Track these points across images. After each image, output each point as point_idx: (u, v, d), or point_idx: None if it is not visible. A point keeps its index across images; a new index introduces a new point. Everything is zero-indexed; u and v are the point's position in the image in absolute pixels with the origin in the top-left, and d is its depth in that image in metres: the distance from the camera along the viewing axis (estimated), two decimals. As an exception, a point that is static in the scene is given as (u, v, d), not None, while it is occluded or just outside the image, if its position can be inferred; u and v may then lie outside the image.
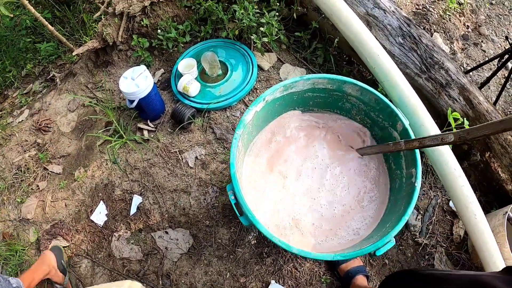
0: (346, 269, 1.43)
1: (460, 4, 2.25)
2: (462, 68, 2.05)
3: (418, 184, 1.07)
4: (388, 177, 1.25)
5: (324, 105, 1.33)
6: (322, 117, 1.35)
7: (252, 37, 1.70)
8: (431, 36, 2.11)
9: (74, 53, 1.77)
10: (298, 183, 1.25)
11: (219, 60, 1.75)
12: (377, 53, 1.44)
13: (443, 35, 2.14)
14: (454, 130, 0.94)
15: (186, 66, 1.73)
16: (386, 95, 1.36)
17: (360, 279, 1.40)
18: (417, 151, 1.12)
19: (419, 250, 1.52)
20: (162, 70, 1.88)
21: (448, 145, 1.33)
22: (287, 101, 1.25)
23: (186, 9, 1.86)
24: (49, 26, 1.92)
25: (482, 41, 2.17)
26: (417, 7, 2.21)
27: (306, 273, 1.48)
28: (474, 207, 1.32)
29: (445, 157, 1.33)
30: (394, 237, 1.44)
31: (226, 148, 1.63)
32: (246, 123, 1.10)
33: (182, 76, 1.68)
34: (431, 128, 1.34)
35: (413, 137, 1.13)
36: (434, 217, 1.59)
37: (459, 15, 2.25)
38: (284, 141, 1.30)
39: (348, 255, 0.99)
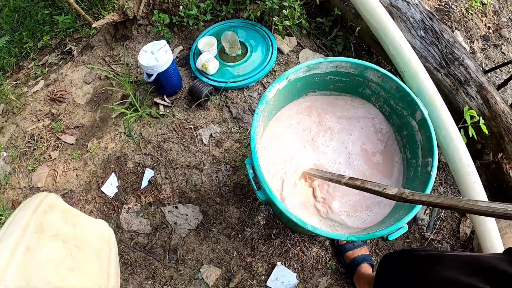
0: (352, 256, 1.43)
1: (483, 4, 2.23)
2: (481, 68, 2.03)
3: (434, 173, 1.06)
4: (403, 166, 1.25)
5: (345, 89, 1.32)
6: (344, 99, 1.35)
7: (274, 19, 1.69)
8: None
9: (93, 25, 1.77)
10: (315, 158, 1.25)
11: (239, 41, 1.74)
12: (399, 42, 1.43)
13: (464, 33, 2.12)
14: (398, 188, 0.84)
15: (206, 43, 1.73)
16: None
17: (365, 267, 1.41)
18: (434, 141, 1.11)
19: (425, 245, 1.52)
20: (181, 47, 1.88)
21: (464, 143, 1.33)
22: (308, 82, 1.25)
23: (209, -13, 1.85)
24: (69, -2, 1.92)
25: (502, 43, 2.16)
26: (440, 3, 2.19)
27: (313, 258, 1.48)
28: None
29: (460, 151, 1.32)
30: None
31: (242, 127, 1.63)
32: (268, 99, 1.10)
33: (202, 53, 1.68)
34: (448, 121, 1.33)
35: (431, 126, 1.13)
36: (442, 213, 1.59)
37: (481, 15, 2.23)
38: (304, 121, 1.30)
39: (362, 237, 0.99)
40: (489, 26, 2.22)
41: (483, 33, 2.17)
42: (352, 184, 0.98)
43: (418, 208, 1.02)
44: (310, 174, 1.18)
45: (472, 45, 2.09)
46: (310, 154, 1.25)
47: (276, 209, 1.29)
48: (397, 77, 1.69)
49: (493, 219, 1.32)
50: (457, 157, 1.32)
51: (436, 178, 1.65)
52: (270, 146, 1.24)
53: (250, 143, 1.03)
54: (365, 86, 1.28)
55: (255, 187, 1.03)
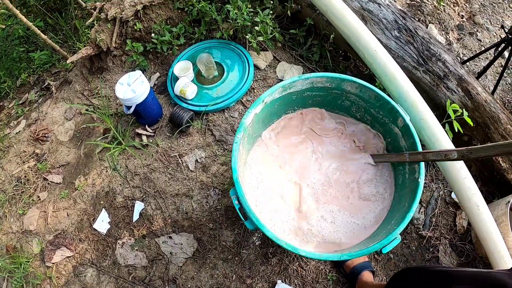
0: (351, 265, 1.42)
1: (454, -7, 2.23)
2: (459, 59, 2.03)
3: (422, 180, 1.05)
4: (392, 173, 1.24)
5: (324, 104, 1.31)
6: (323, 114, 1.34)
7: (247, 36, 1.67)
8: (426, 28, 2.09)
9: (68, 61, 1.75)
10: (301, 179, 1.23)
11: (215, 61, 1.73)
12: (374, 48, 1.42)
13: (438, 26, 2.12)
14: (459, 148, 0.93)
15: (182, 69, 1.71)
16: (384, 90, 1.35)
17: (366, 275, 1.39)
18: (419, 146, 1.11)
19: (423, 243, 1.51)
20: (158, 74, 1.86)
21: (450, 140, 1.32)
22: (286, 101, 1.23)
23: (179, 11, 1.83)
24: (42, 35, 1.89)
25: (477, 31, 2.16)
26: (411, -1, 2.19)
27: (312, 271, 1.47)
28: (476, 198, 1.31)
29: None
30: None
31: (226, 149, 1.61)
32: (246, 126, 1.08)
33: (178, 79, 1.66)
34: (431, 121, 1.33)
35: (414, 132, 1.12)
36: (437, 210, 1.59)
37: (453, 5, 2.23)
38: (286, 140, 1.28)
39: (355, 255, 0.97)
40: (462, 15, 2.22)
41: (457, 22, 2.17)
42: (416, 159, 1.06)
43: (409, 219, 1.00)
44: (378, 159, 1.20)
45: (448, 36, 2.09)
46: (295, 173, 1.23)
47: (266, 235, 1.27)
48: (376, 83, 1.68)
49: (487, 211, 1.31)
50: (444, 155, 1.31)
51: (426, 175, 1.65)
52: (255, 169, 1.22)
53: (232, 174, 1.01)
54: (344, 98, 1.27)
55: (242, 217, 1.01)
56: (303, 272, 1.47)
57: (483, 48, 2.07)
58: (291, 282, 1.45)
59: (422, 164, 1.07)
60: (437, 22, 2.13)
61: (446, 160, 0.98)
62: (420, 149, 1.11)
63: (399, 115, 1.15)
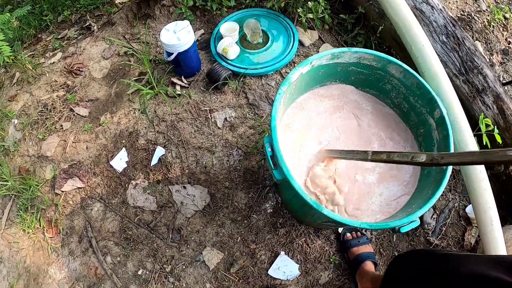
0: (356, 252, 1.44)
1: (505, 18, 2.25)
2: (499, 80, 2.05)
3: (449, 171, 1.07)
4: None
5: (365, 83, 1.33)
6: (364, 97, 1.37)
7: (298, 10, 1.71)
8: (473, 43, 2.12)
9: (117, 1, 1.80)
10: (334, 143, 1.26)
11: (261, 29, 1.77)
12: (422, 42, 1.44)
13: (484, 45, 2.14)
14: (429, 152, 0.80)
15: (229, 29, 1.75)
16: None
17: (369, 265, 1.42)
18: (451, 138, 1.13)
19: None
20: (202, 31, 1.90)
21: (473, 138, 1.34)
22: (330, 71, 1.26)
23: (235, -26, 1.88)
24: (93, -27, 1.96)
25: (521, 59, 2.18)
26: (462, 13, 2.22)
27: (316, 250, 1.49)
28: (492, 213, 1.31)
29: (474, 157, 1.34)
30: (408, 232, 1.46)
31: (257, 114, 1.64)
32: (291, 82, 1.12)
33: (223, 38, 1.70)
34: (464, 125, 1.34)
35: (448, 125, 1.13)
36: (449, 220, 1.60)
37: (503, 29, 2.25)
38: (323, 111, 1.32)
39: (375, 225, 1.00)
40: (509, 41, 2.24)
41: (503, 47, 2.19)
42: (378, 159, 0.94)
43: (431, 204, 1.02)
44: (330, 155, 1.19)
45: (491, 58, 2.11)
46: (326, 146, 1.26)
47: (289, 192, 1.30)
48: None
49: (500, 228, 1.33)
50: (471, 163, 1.33)
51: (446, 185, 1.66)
52: (287, 130, 1.26)
53: (271, 121, 1.04)
54: (386, 81, 1.29)
55: (272, 165, 1.04)
56: (307, 249, 1.49)
57: (525, 77, 2.10)
58: (293, 256, 1.47)
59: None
60: (484, 41, 2.15)
61: (412, 164, 0.85)
62: (452, 143, 1.12)
63: (437, 106, 1.16)
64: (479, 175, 1.34)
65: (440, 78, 1.40)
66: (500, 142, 1.52)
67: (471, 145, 1.35)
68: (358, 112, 1.34)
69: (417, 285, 0.92)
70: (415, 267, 0.97)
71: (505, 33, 2.27)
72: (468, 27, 2.15)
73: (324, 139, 1.27)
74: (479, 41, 2.13)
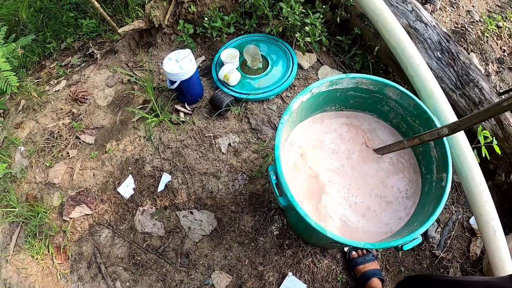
0: (363, 270, 1.48)
1: (498, 27, 2.31)
2: (495, 90, 2.11)
3: (448, 187, 1.11)
4: (420, 180, 1.31)
5: (364, 106, 1.39)
6: (361, 117, 1.42)
7: (296, 35, 1.78)
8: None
9: (120, 30, 1.86)
10: (330, 177, 1.30)
11: (261, 54, 1.83)
12: (417, 62, 1.50)
13: (479, 56, 2.20)
14: (447, 124, 1.06)
15: (229, 55, 1.81)
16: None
17: (376, 282, 1.45)
18: (449, 156, 1.17)
19: (435, 263, 1.55)
20: (203, 58, 1.96)
21: (477, 162, 1.39)
22: (330, 97, 1.32)
23: (233, 1, 1.94)
24: (95, 2, 2.01)
25: (516, 66, 2.24)
26: (456, 25, 2.28)
27: (324, 270, 1.52)
28: (495, 223, 1.35)
29: (473, 171, 1.37)
30: (413, 247, 1.49)
31: (260, 138, 1.69)
32: (292, 111, 1.17)
33: (224, 64, 1.76)
34: (462, 140, 1.39)
35: (446, 143, 1.18)
36: (453, 232, 1.63)
37: (497, 38, 2.31)
38: (321, 136, 1.37)
39: (378, 245, 1.03)
40: (504, 49, 2.30)
41: (498, 56, 2.25)
42: (414, 143, 1.18)
43: (432, 221, 1.06)
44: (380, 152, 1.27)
45: (487, 68, 2.17)
46: (327, 165, 1.31)
47: (293, 216, 1.34)
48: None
49: (503, 238, 1.36)
50: (470, 176, 1.38)
51: (448, 198, 1.70)
52: (290, 157, 1.30)
53: (274, 150, 1.09)
54: (384, 103, 1.35)
55: (277, 193, 1.08)
56: (314, 268, 1.52)
57: (521, 85, 2.15)
58: (301, 276, 1.51)
59: (450, 173, 1.13)
60: (479, 52, 2.21)
61: (440, 137, 1.09)
62: (450, 160, 1.17)
63: (434, 125, 1.21)
64: (479, 188, 1.38)
65: (436, 96, 1.46)
66: (500, 153, 1.56)
67: (470, 158, 1.40)
68: (359, 130, 1.38)
69: None
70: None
71: (499, 41, 2.33)
72: (462, 39, 2.21)
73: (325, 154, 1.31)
74: (474, 52, 2.19)
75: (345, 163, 1.32)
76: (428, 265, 1.57)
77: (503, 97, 2.12)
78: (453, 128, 1.03)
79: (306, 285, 1.49)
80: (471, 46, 2.20)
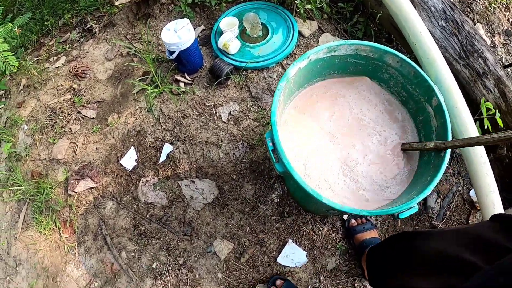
0: (361, 238, 1.53)
1: (507, -1, 2.28)
2: (501, 62, 2.09)
3: (447, 157, 1.13)
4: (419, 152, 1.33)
5: (364, 73, 1.40)
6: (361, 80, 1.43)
7: (297, 1, 1.78)
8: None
9: (117, 3, 1.87)
10: (334, 136, 1.33)
11: (261, 22, 1.83)
12: (419, 30, 1.50)
13: (486, 27, 2.18)
14: (434, 142, 1.17)
15: (228, 24, 1.83)
16: (423, 72, 1.43)
17: None
18: (449, 126, 1.18)
19: (434, 233, 1.60)
20: (202, 27, 1.98)
21: (478, 133, 1.41)
22: (328, 64, 1.33)
23: (232, -32, 1.94)
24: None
25: (524, 40, 2.21)
26: (463, -6, 2.25)
27: (323, 238, 1.58)
28: (494, 197, 1.38)
29: (474, 141, 1.40)
30: (412, 217, 1.53)
31: (260, 107, 1.73)
32: (290, 77, 1.19)
33: (223, 33, 1.77)
34: (463, 110, 1.41)
35: (446, 112, 1.19)
36: (453, 203, 1.67)
37: (504, 10, 2.28)
38: (322, 100, 1.39)
39: (374, 212, 1.07)
40: (511, 21, 2.27)
41: (505, 27, 2.22)
42: (404, 148, 1.29)
43: (429, 191, 1.09)
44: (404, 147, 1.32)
45: (493, 39, 2.15)
46: (325, 136, 1.33)
47: (292, 184, 1.38)
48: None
49: (503, 212, 1.39)
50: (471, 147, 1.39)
51: (449, 169, 1.73)
52: (288, 126, 1.33)
53: (271, 117, 1.12)
54: (384, 71, 1.36)
55: (273, 159, 1.12)
56: (314, 236, 1.58)
57: (528, 58, 2.13)
58: (301, 243, 1.57)
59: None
60: (485, 23, 2.19)
61: (425, 150, 1.19)
62: (450, 130, 1.18)
63: (435, 94, 1.23)
64: (479, 159, 1.41)
65: (438, 64, 1.46)
66: (502, 125, 1.57)
67: (471, 129, 1.41)
68: (360, 97, 1.40)
69: (388, 260, 1.10)
70: (392, 245, 1.14)
71: (507, 13, 2.29)
72: (468, 9, 2.19)
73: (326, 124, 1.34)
74: (481, 23, 2.17)
75: (344, 130, 1.34)
76: (428, 234, 1.60)
77: (508, 70, 2.10)
78: (437, 145, 1.13)
79: (306, 252, 1.55)
80: (478, 17, 2.18)
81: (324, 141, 1.33)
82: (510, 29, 2.24)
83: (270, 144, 1.14)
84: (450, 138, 1.17)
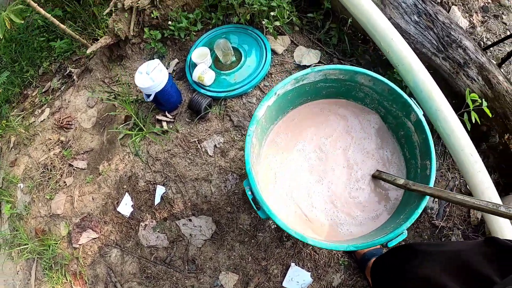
0: (362, 252, 1.54)
1: (479, -27, 2.20)
2: (482, 43, 2.04)
3: (433, 177, 1.12)
4: (405, 167, 1.31)
5: (338, 94, 1.39)
6: (336, 102, 1.42)
7: (264, 22, 1.75)
8: (449, 9, 2.10)
9: (88, 51, 1.88)
10: (313, 167, 1.33)
11: (232, 46, 1.83)
12: (390, 36, 1.47)
13: (462, 7, 2.12)
14: (404, 180, 1.19)
15: (200, 55, 1.82)
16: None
17: None
18: (431, 142, 1.16)
19: (436, 233, 1.60)
20: (176, 60, 1.98)
21: (465, 131, 1.38)
22: (299, 93, 1.32)
23: (196, -4, 1.91)
24: (61, 25, 2.00)
25: (502, 13, 2.15)
26: (434, -22, 2.18)
27: (325, 256, 1.59)
28: (490, 192, 1.37)
29: (461, 142, 1.38)
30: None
31: (244, 135, 1.74)
32: (259, 119, 1.18)
33: (197, 65, 1.76)
34: (447, 112, 1.39)
35: (426, 128, 1.17)
36: (452, 199, 1.65)
37: (479, -14, 2.21)
38: (298, 130, 1.38)
39: (361, 246, 1.06)
40: (487, -4, 2.20)
41: (482, 4, 2.16)
42: (374, 175, 1.30)
43: (417, 216, 1.08)
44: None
45: (471, 19, 2.09)
46: (305, 169, 1.33)
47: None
48: (391, 72, 1.72)
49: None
50: (459, 147, 1.38)
51: (443, 164, 1.72)
52: (270, 159, 1.33)
53: (245, 166, 1.11)
54: (358, 90, 1.34)
55: (255, 207, 1.12)
56: (316, 256, 1.59)
57: (508, 32, 2.06)
58: (304, 265, 1.58)
59: (434, 161, 1.13)
60: (461, 4, 2.13)
61: (394, 184, 1.20)
62: (432, 145, 1.16)
63: (412, 109, 1.20)
64: (470, 159, 1.40)
65: (414, 69, 1.45)
66: (490, 115, 1.54)
67: (457, 130, 1.39)
68: (339, 119, 1.39)
69: (385, 280, 1.13)
70: (395, 256, 1.15)
71: (482, -11, 2.22)
72: (442, -8, 2.12)
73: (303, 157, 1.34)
74: (455, 4, 2.12)
75: (327, 157, 1.34)
76: (429, 236, 1.61)
77: (491, 49, 2.04)
78: (406, 184, 1.14)
79: (309, 273, 1.57)
80: (452, -1, 2.11)
81: (304, 174, 1.33)
82: (486, 4, 2.18)
83: (249, 193, 1.14)
84: (433, 153, 1.15)
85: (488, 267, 0.80)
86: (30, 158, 2.08)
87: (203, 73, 1.76)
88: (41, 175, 2.01)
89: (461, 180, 1.68)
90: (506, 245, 0.83)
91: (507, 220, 1.39)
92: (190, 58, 1.87)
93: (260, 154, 1.33)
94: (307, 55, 1.86)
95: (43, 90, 2.38)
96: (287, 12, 1.78)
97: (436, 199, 1.66)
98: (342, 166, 1.33)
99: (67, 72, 2.31)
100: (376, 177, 1.29)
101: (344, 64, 1.86)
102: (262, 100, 1.21)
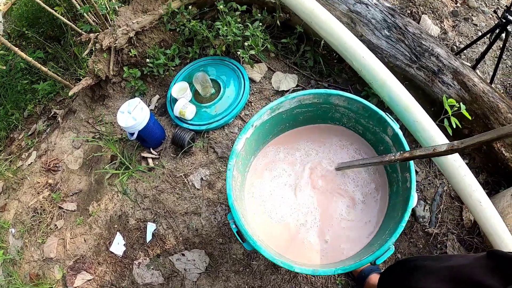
0: (359, 269, 1.52)
1: (442, -20, 2.26)
2: (455, 47, 2.07)
3: (413, 189, 1.12)
4: (387, 180, 1.32)
5: (315, 118, 1.40)
6: (314, 129, 1.43)
7: (239, 52, 1.77)
8: (419, 19, 2.15)
9: (70, 93, 1.89)
10: (299, 192, 1.33)
11: (211, 78, 1.84)
12: (361, 55, 1.49)
13: (432, 15, 2.17)
14: (446, 145, 0.95)
15: (179, 90, 1.83)
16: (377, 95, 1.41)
17: (374, 278, 1.48)
18: (409, 157, 1.17)
19: (431, 240, 1.59)
20: (157, 96, 1.99)
21: (446, 139, 1.39)
22: (276, 121, 1.33)
23: (171, 32, 1.94)
24: (43, 68, 2.01)
25: (472, 15, 2.19)
26: (400, -9, 2.23)
27: (321, 277, 1.57)
28: (478, 194, 1.37)
29: (443, 149, 1.38)
30: (405, 230, 1.51)
31: (229, 166, 1.73)
32: (238, 152, 1.19)
33: (177, 100, 1.77)
34: (425, 122, 1.40)
35: (404, 141, 1.18)
36: (442, 205, 1.66)
37: (446, -8, 2.26)
38: (280, 158, 1.38)
39: (348, 268, 1.06)
40: (456, 0, 2.25)
41: (451, 9, 2.21)
42: (403, 157, 1.08)
43: (401, 230, 1.08)
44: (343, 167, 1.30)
45: (442, 25, 2.13)
46: (295, 188, 1.33)
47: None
48: (368, 87, 1.74)
49: (491, 205, 1.38)
50: (441, 155, 1.38)
51: (430, 172, 1.72)
52: (255, 190, 1.33)
53: (228, 200, 1.11)
54: (334, 111, 1.36)
55: (240, 240, 1.12)
56: (312, 278, 1.57)
57: (479, 33, 2.11)
58: (301, 288, 1.56)
59: (413, 173, 1.14)
60: (430, 12, 2.18)
61: (436, 155, 0.98)
62: (411, 161, 1.17)
63: (388, 124, 1.22)
64: (454, 164, 1.40)
65: (388, 84, 1.46)
66: (470, 118, 1.55)
67: (437, 138, 1.40)
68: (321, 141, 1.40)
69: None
70: (391, 279, 1.15)
71: (449, -6, 2.27)
72: (411, 3, 2.18)
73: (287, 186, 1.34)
74: (425, 13, 2.16)
75: (313, 182, 1.34)
76: (424, 245, 1.60)
77: (464, 52, 2.08)
78: (453, 146, 0.94)
79: (307, 297, 1.54)
80: (421, 8, 2.17)
81: (291, 198, 1.33)
82: (455, 8, 2.22)
83: (234, 226, 1.13)
84: (412, 166, 1.15)
85: (491, 278, 0.81)
86: (20, 203, 2.06)
87: (184, 107, 1.77)
88: (31, 219, 1.98)
89: (450, 185, 1.69)
90: (508, 256, 0.83)
91: (499, 219, 1.38)
92: (170, 93, 1.88)
93: (245, 184, 1.33)
94: (284, 80, 1.88)
95: (29, 133, 2.36)
96: (261, 40, 1.81)
97: (427, 208, 1.66)
98: (328, 192, 1.33)
99: (51, 114, 2.30)
100: (341, 169, 1.32)
101: (322, 85, 1.89)
102: (239, 133, 1.21)
